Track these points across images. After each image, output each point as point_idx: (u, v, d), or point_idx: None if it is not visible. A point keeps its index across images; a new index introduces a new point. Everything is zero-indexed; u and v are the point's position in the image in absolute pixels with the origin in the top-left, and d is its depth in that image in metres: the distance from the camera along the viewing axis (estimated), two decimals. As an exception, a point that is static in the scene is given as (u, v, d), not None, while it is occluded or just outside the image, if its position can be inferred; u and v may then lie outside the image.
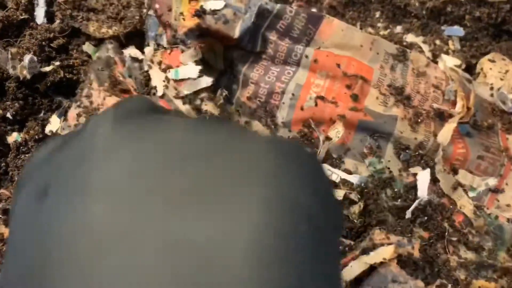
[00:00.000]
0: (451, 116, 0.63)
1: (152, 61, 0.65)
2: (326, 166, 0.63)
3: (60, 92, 0.73)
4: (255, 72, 0.66)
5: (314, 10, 0.76)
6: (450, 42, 0.78)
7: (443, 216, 0.60)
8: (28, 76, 0.69)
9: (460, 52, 0.76)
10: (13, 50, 0.70)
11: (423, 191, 0.60)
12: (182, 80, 0.62)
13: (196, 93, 0.62)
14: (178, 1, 0.65)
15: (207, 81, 0.62)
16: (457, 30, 0.76)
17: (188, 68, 0.62)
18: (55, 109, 0.72)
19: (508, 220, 0.60)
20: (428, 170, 0.61)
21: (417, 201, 0.59)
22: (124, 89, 0.66)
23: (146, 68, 0.66)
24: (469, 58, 0.75)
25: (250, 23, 0.63)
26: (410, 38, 0.80)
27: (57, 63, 0.70)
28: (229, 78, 0.67)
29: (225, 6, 0.63)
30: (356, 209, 0.59)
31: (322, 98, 0.63)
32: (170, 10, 0.65)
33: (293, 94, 0.65)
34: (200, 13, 0.62)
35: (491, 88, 0.68)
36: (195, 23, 0.62)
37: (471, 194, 0.61)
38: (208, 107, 0.62)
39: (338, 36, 0.66)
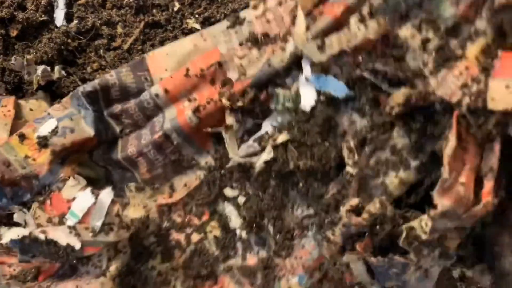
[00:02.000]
0: None
1: (40, 225, 0.56)
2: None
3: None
4: (129, 147, 0.60)
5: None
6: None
7: None
8: (42, 83, 0.69)
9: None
10: (29, 57, 0.69)
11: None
12: (86, 215, 0.55)
13: (107, 213, 0.55)
14: (10, 150, 0.58)
15: (109, 193, 0.56)
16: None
17: (80, 199, 0.56)
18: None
19: None
20: None
21: None
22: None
23: (41, 236, 0.53)
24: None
25: (92, 113, 0.59)
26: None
27: (62, 71, 0.71)
28: (117, 175, 0.62)
29: (58, 120, 0.58)
30: None
31: (197, 109, 0.57)
32: (8, 164, 0.58)
33: (175, 130, 0.58)
34: (43, 141, 0.57)
35: None
36: (48, 153, 0.57)
37: None
38: (130, 213, 0.57)
39: (170, 59, 0.60)
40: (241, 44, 0.58)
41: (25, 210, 0.58)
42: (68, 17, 0.75)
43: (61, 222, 0.55)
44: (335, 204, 0.53)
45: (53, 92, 0.72)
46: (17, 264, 0.57)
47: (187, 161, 0.61)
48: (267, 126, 0.57)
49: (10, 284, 0.56)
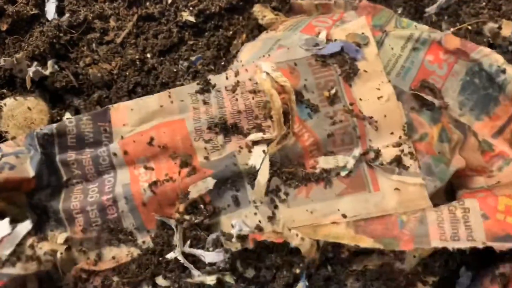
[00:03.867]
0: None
1: None
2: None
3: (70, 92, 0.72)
4: (73, 200, 0.58)
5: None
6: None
7: None
8: (36, 79, 0.68)
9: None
10: (18, 55, 0.67)
11: None
12: None
13: (20, 244, 0.53)
14: None
15: (26, 226, 0.54)
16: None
17: None
18: None
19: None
20: None
21: None
22: None
23: None
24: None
25: (39, 155, 0.57)
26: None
27: (55, 66, 0.69)
28: (49, 227, 0.58)
29: (2, 156, 0.57)
30: None
31: (155, 183, 0.56)
32: None
33: (125, 198, 0.57)
34: None
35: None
36: None
37: (343, 173, 0.57)
38: (45, 246, 0.53)
39: (133, 114, 0.60)
40: (209, 128, 0.58)
41: None
42: (60, 11, 0.73)
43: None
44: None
45: (46, 87, 0.70)
46: None
47: (124, 234, 0.58)
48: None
49: None
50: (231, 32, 0.75)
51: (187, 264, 0.54)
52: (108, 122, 0.60)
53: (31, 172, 0.57)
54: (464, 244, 0.49)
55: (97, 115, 0.60)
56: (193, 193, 0.56)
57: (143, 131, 0.59)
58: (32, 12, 0.72)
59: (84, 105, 0.71)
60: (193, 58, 0.73)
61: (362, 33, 0.62)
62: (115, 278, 0.56)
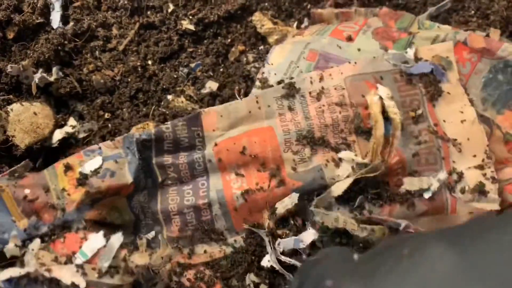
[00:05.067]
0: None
1: (43, 264, 0.54)
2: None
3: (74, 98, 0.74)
4: (171, 202, 0.62)
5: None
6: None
7: None
8: (41, 85, 0.70)
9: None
10: (24, 62, 0.69)
11: None
12: (94, 256, 0.56)
13: (115, 256, 0.56)
14: (53, 178, 0.59)
15: (119, 238, 0.57)
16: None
17: (92, 241, 0.56)
18: None
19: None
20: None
21: None
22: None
23: (45, 274, 0.53)
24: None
25: (137, 161, 0.60)
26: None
27: (60, 72, 0.71)
28: (146, 225, 0.63)
29: (103, 160, 0.60)
30: None
31: (247, 192, 0.59)
32: (47, 190, 0.59)
33: (219, 203, 0.60)
34: (83, 180, 0.58)
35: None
36: (82, 193, 0.57)
37: (426, 195, 0.58)
38: (136, 259, 0.56)
39: (223, 119, 0.62)
40: (298, 140, 0.60)
41: (25, 249, 0.57)
42: (64, 19, 0.76)
43: (68, 262, 0.55)
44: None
45: (50, 93, 0.73)
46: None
47: (216, 234, 0.62)
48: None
49: None
50: (229, 40, 0.78)
51: (282, 271, 0.57)
52: (200, 127, 0.62)
53: (130, 178, 0.59)
54: None
55: (191, 120, 0.62)
56: (280, 209, 0.59)
57: (234, 137, 0.62)
58: (38, 21, 0.74)
59: (88, 110, 0.73)
60: (192, 65, 0.75)
61: (447, 57, 0.64)
62: (208, 272, 0.60)
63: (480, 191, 0.58)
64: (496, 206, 0.58)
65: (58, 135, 0.71)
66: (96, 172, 0.59)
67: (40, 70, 0.71)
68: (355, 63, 0.63)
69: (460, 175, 0.59)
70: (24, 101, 0.71)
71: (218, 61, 0.77)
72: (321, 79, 0.62)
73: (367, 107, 0.60)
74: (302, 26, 0.79)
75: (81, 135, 0.71)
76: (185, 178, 0.62)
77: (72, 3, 0.76)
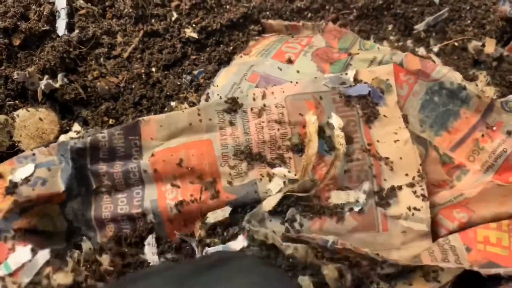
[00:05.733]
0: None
1: None
2: None
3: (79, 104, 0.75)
4: (104, 210, 0.61)
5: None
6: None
7: None
8: (47, 91, 0.72)
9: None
10: (31, 69, 0.70)
11: None
12: (18, 269, 0.54)
13: (38, 273, 0.54)
14: None
15: (45, 256, 0.55)
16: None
17: (18, 254, 0.55)
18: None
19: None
20: None
21: None
22: None
23: None
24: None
25: (71, 169, 0.60)
26: (421, 51, 0.81)
27: (65, 79, 0.72)
28: (79, 231, 0.62)
29: (36, 167, 0.59)
30: None
31: (181, 203, 0.60)
32: None
33: (153, 213, 0.61)
34: (12, 189, 0.57)
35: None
36: (10, 202, 0.56)
37: (356, 208, 0.59)
38: (59, 278, 0.55)
39: (163, 130, 0.63)
40: (235, 155, 0.61)
41: None
42: (70, 27, 0.77)
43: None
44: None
45: (56, 99, 0.74)
46: None
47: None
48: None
49: None
50: (231, 48, 0.79)
51: None
52: (138, 136, 0.63)
53: (62, 187, 0.59)
54: (453, 265, 0.53)
55: (128, 128, 0.63)
56: (211, 219, 0.59)
57: (172, 148, 0.62)
58: (44, 28, 0.75)
59: (92, 116, 0.74)
60: (195, 72, 0.77)
61: (387, 80, 0.65)
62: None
63: (409, 208, 0.60)
64: (424, 227, 0.59)
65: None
66: (27, 180, 0.58)
67: (46, 76, 0.72)
68: (297, 83, 0.64)
69: (391, 192, 0.61)
70: (30, 107, 0.72)
71: (220, 68, 0.78)
72: (263, 96, 0.64)
73: (305, 125, 0.62)
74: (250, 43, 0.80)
75: (86, 141, 0.72)
76: (119, 186, 0.63)
77: (78, 11, 0.78)
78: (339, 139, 0.60)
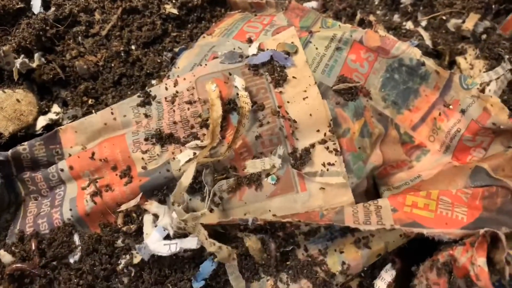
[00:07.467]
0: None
1: None
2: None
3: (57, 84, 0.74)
4: (28, 215, 0.63)
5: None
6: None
7: None
8: (23, 71, 0.70)
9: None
10: (5, 48, 0.68)
11: None
12: None
13: None
14: None
15: None
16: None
17: None
18: None
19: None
20: None
21: None
22: None
23: None
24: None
25: (0, 180, 0.62)
26: (409, 25, 0.79)
27: (42, 58, 0.71)
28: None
29: None
30: None
31: (96, 193, 0.61)
32: None
33: (70, 209, 0.61)
34: None
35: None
36: None
37: (271, 181, 0.59)
38: None
39: (80, 135, 0.64)
40: (146, 139, 0.62)
41: None
42: (45, 4, 0.75)
43: None
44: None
45: (33, 80, 0.72)
46: None
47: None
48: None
49: None
50: (213, 24, 0.77)
51: None
52: (59, 144, 0.64)
53: None
54: (374, 227, 0.52)
55: (48, 138, 0.64)
56: (123, 207, 0.60)
57: (89, 148, 0.63)
58: (18, 6, 0.73)
59: (71, 97, 0.73)
60: (176, 50, 0.75)
61: (292, 42, 0.65)
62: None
63: (323, 164, 0.60)
64: (341, 180, 0.59)
65: (42, 122, 0.71)
66: None
67: (22, 56, 0.70)
68: (205, 65, 0.65)
69: (304, 152, 0.60)
70: (6, 88, 0.70)
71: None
72: (175, 84, 0.64)
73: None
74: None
75: (65, 122, 0.71)
76: (44, 191, 0.64)
77: (53, -12, 0.75)
78: (244, 98, 0.60)
